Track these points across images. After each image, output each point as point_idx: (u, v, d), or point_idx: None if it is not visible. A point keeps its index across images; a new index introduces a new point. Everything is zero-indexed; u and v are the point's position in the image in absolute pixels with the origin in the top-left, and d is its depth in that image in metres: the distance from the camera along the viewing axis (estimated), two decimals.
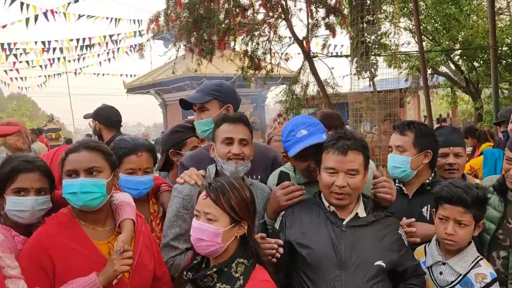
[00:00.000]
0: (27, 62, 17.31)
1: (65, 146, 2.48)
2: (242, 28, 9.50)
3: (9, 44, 14.85)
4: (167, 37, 12.05)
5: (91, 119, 4.51)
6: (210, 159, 2.61)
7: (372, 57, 7.37)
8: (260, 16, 9.75)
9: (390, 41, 9.34)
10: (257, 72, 10.18)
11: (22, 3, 11.71)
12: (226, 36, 9.33)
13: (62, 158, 2.12)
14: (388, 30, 10.02)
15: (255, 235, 2.22)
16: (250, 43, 9.71)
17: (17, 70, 18.04)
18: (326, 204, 2.33)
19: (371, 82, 7.95)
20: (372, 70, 7.38)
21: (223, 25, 9.06)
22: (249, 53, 9.81)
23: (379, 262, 2.19)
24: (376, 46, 7.50)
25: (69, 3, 12.84)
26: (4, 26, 13.12)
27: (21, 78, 19.71)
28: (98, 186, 2.05)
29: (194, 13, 8.75)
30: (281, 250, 2.22)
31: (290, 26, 9.37)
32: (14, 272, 1.93)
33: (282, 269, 2.27)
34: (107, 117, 4.42)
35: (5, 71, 17.81)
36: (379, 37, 7.67)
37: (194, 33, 8.98)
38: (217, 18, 8.75)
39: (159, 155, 3.39)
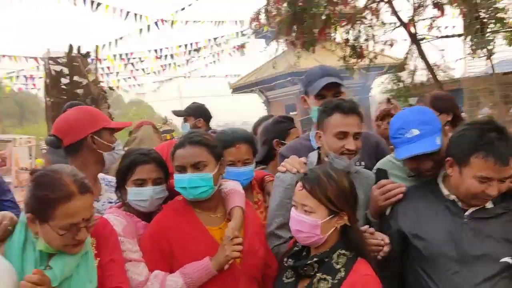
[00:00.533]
0: (143, 69, 18.73)
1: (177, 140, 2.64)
2: (343, 18, 9.25)
3: (126, 54, 16.22)
4: (268, 35, 12.22)
5: (184, 116, 4.80)
6: (309, 149, 2.54)
7: (488, 34, 6.68)
8: (361, 2, 9.41)
9: (510, 17, 8.39)
10: (359, 60, 9.81)
11: (135, 15, 12.68)
12: (326, 27, 9.15)
13: (171, 152, 2.23)
14: (506, 5, 9.01)
15: (363, 226, 2.14)
16: (351, 31, 9.41)
17: (134, 77, 19.61)
18: (445, 192, 2.14)
19: (488, 61, 7.22)
20: (489, 47, 6.69)
21: (324, 16, 8.89)
22: (351, 42, 9.50)
23: (507, 259, 1.97)
24: (493, 21, 6.78)
25: (176, 11, 13.65)
26: (121, 38, 14.32)
27: (138, 85, 21.38)
28: (205, 180, 2.13)
29: (294, 6, 8.72)
30: (386, 248, 2.08)
31: (393, 9, 8.90)
32: (135, 255, 2.09)
33: (390, 262, 2.14)
34: (208, 114, 4.75)
35: (124, 79, 19.44)
36: (496, 12, 6.92)
37: (295, 26, 8.95)
38: (317, 9, 8.61)
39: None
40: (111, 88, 9.98)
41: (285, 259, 2.08)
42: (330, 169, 2.03)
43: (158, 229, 2.16)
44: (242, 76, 24.78)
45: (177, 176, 2.16)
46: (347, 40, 9.54)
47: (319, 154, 2.45)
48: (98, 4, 8.71)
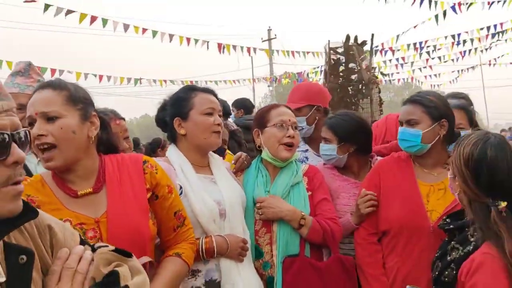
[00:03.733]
0: (439, 58, 17.84)
1: None
2: None
3: (420, 43, 15.81)
4: None
5: None
6: None
7: None
8: None
9: None
10: None
11: (430, 1, 12.24)
12: None
13: None
14: None
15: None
16: None
17: (430, 67, 18.88)
18: None
19: None
20: None
21: None
22: None
23: None
24: None
25: None
26: (415, 27, 14.08)
27: (435, 75, 20.48)
28: (413, 135, 2.33)
29: None
30: None
31: None
32: None
33: None
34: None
35: (419, 69, 19.01)
36: None
37: None
38: None
39: None
40: (382, 74, 10.10)
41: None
42: None
43: (377, 166, 2.55)
44: None
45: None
46: None
47: None
48: None
